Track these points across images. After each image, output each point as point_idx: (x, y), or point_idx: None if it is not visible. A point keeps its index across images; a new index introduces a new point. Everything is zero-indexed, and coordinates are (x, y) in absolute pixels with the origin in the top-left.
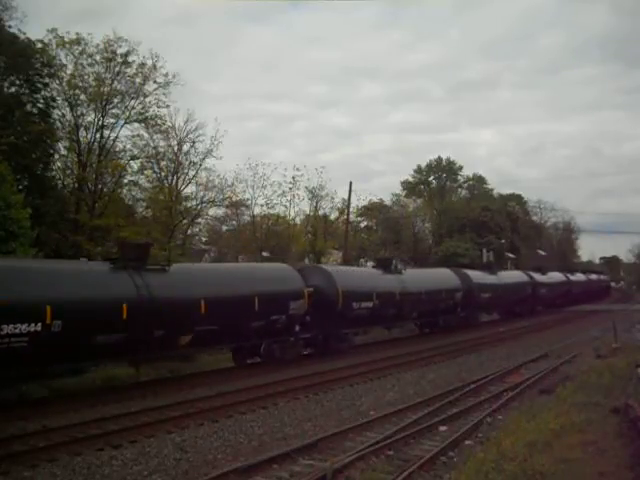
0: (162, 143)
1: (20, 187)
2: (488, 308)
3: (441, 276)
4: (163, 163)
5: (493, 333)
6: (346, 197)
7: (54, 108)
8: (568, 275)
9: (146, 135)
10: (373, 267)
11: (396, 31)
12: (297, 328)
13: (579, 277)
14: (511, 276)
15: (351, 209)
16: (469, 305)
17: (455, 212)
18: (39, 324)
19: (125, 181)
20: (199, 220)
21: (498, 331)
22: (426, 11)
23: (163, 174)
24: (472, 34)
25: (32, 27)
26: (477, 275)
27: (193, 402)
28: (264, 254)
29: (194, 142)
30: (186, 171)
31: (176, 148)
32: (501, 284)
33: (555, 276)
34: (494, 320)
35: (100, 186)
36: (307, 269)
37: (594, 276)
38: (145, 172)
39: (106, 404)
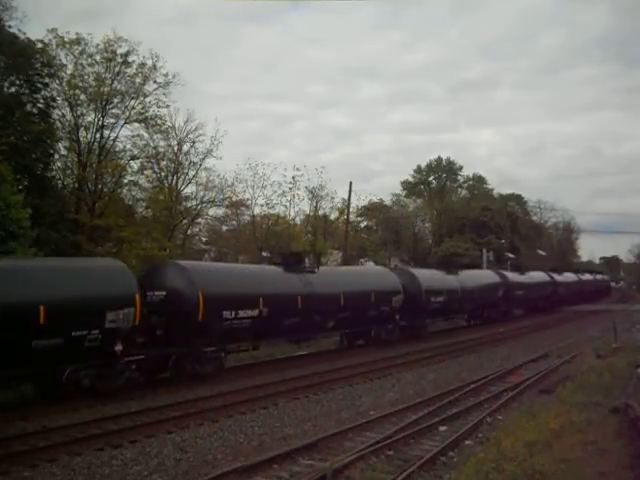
0: (162, 143)
1: (20, 187)
2: (444, 314)
3: (372, 276)
4: (163, 163)
5: (493, 333)
6: (346, 197)
7: (54, 108)
8: (553, 275)
9: (146, 135)
10: (275, 264)
11: (395, 31)
12: (118, 347)
13: (567, 277)
14: (477, 276)
15: (351, 209)
16: (414, 311)
17: (455, 212)
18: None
19: (125, 181)
20: (199, 220)
21: (498, 331)
22: (425, 11)
23: (163, 174)
24: (471, 34)
25: (32, 27)
26: (427, 275)
27: (193, 402)
28: (264, 254)
29: (194, 142)
30: (186, 171)
31: (176, 148)
32: (462, 286)
33: (536, 276)
34: (458, 327)
35: (100, 186)
36: (160, 267)
37: (588, 276)
38: (145, 172)
39: (106, 404)
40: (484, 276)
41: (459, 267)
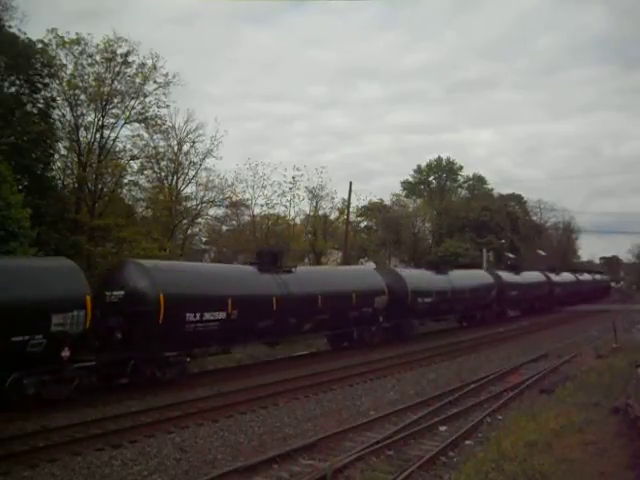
0: (162, 143)
1: (20, 187)
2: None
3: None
4: (163, 163)
5: (493, 333)
6: (346, 197)
7: (54, 108)
8: (549, 275)
9: (146, 135)
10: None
11: (394, 32)
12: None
13: (565, 277)
14: (469, 276)
15: (351, 209)
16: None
17: (455, 212)
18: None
19: (125, 181)
20: (199, 220)
21: (498, 331)
22: (424, 12)
23: (163, 174)
24: (470, 35)
25: (32, 27)
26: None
27: (193, 402)
28: None
29: (194, 142)
30: (186, 171)
31: (176, 148)
32: (452, 287)
33: (531, 276)
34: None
35: (100, 186)
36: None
37: (587, 276)
38: (145, 172)
39: (106, 404)
40: (476, 276)
41: (450, 267)
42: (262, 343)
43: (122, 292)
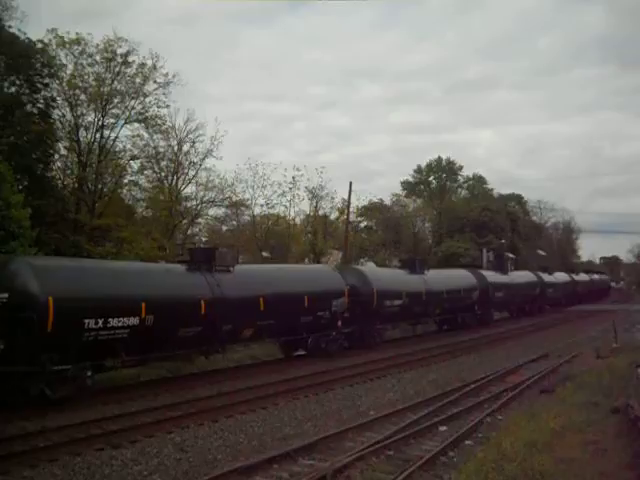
0: (162, 143)
1: (20, 187)
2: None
3: (458, 277)
4: (163, 163)
5: (493, 333)
6: (346, 197)
7: (54, 108)
8: (541, 275)
9: (146, 135)
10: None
11: (394, 32)
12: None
13: (558, 277)
14: (447, 277)
15: (351, 209)
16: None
17: (455, 212)
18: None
19: (125, 181)
20: (199, 220)
21: (498, 331)
22: (424, 12)
23: (163, 174)
24: (470, 35)
25: (32, 27)
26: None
27: (193, 402)
28: (264, 254)
29: (194, 142)
30: (186, 171)
31: (176, 148)
32: (427, 288)
33: (521, 276)
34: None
35: (100, 186)
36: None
37: (583, 276)
38: (145, 172)
39: (106, 404)
40: (456, 276)
41: (426, 265)
42: (193, 352)
43: (6, 295)
